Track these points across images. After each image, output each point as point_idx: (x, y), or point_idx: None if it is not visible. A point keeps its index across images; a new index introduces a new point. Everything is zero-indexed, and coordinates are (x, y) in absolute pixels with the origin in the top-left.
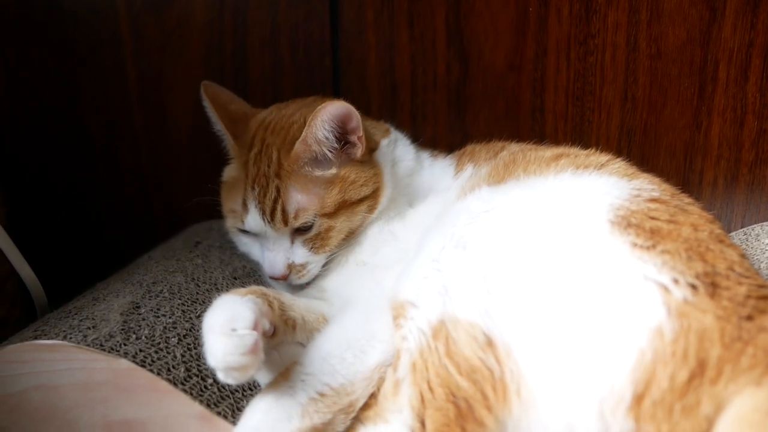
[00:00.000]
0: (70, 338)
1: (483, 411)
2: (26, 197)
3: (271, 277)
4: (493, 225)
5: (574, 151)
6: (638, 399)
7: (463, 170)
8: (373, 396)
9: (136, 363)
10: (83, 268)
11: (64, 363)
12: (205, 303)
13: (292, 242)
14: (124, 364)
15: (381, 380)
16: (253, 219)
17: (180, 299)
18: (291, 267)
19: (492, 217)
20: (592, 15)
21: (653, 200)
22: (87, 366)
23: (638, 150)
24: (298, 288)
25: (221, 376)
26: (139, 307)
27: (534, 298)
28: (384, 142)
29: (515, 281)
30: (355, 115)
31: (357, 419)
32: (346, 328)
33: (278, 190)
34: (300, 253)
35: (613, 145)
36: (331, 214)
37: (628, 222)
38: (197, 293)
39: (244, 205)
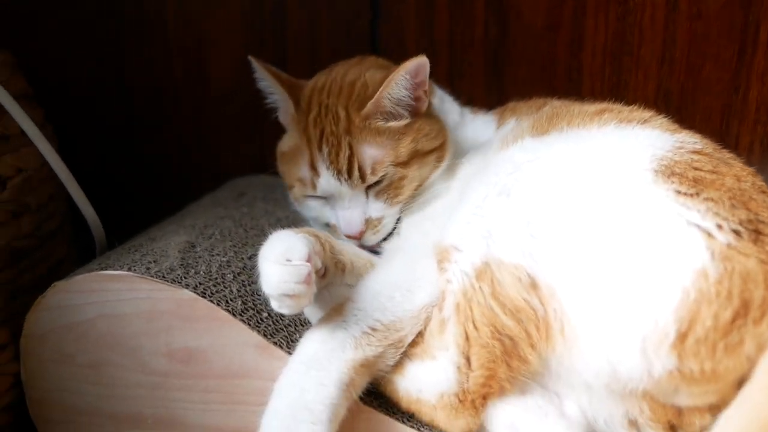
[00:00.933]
0: (134, 270)
1: (527, 348)
2: (74, 146)
3: (348, 236)
4: (537, 173)
5: (618, 106)
6: (682, 336)
7: (505, 124)
8: (420, 334)
9: (197, 294)
10: (128, 216)
11: (128, 293)
12: (255, 246)
13: (367, 197)
14: (186, 294)
15: (428, 320)
16: (327, 181)
17: (231, 241)
18: (368, 222)
19: (536, 165)
20: None
21: (696, 152)
22: (151, 296)
23: (674, 112)
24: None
25: (275, 305)
26: (194, 246)
27: (578, 240)
28: (435, 98)
29: (560, 225)
30: (428, 67)
31: (405, 355)
32: (395, 271)
33: (351, 147)
34: (375, 207)
35: (650, 106)
36: (405, 164)
37: (671, 171)
38: (246, 237)
39: (314, 169)
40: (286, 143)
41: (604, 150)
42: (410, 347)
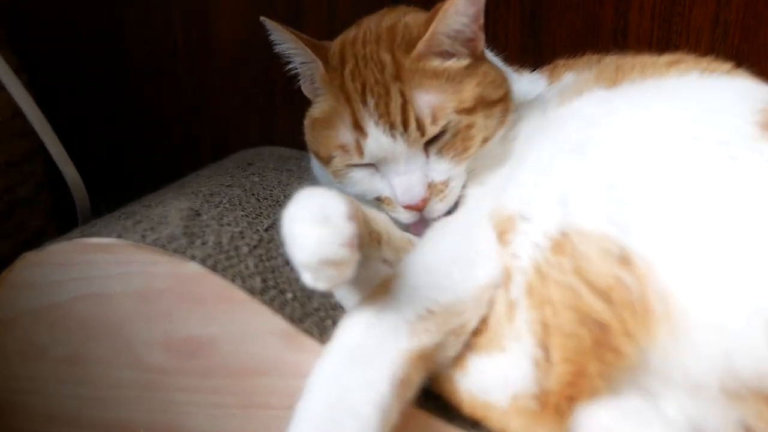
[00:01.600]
0: (126, 237)
1: (622, 338)
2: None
3: (408, 206)
4: (616, 128)
5: (692, 57)
6: None
7: (559, 79)
8: (485, 321)
9: (206, 268)
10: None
11: (118, 266)
12: (270, 217)
13: (427, 156)
14: (192, 268)
15: (492, 303)
16: (377, 140)
17: (243, 211)
18: (431, 188)
19: (614, 119)
20: None
21: None
22: (147, 270)
23: None
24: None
25: (310, 278)
26: (200, 214)
27: (680, 204)
28: None
29: (654, 187)
30: None
31: (468, 348)
32: (448, 243)
33: (403, 94)
34: (439, 168)
35: None
36: (470, 110)
37: None
38: (260, 207)
39: (359, 129)
40: (317, 108)
41: (693, 101)
42: (474, 336)
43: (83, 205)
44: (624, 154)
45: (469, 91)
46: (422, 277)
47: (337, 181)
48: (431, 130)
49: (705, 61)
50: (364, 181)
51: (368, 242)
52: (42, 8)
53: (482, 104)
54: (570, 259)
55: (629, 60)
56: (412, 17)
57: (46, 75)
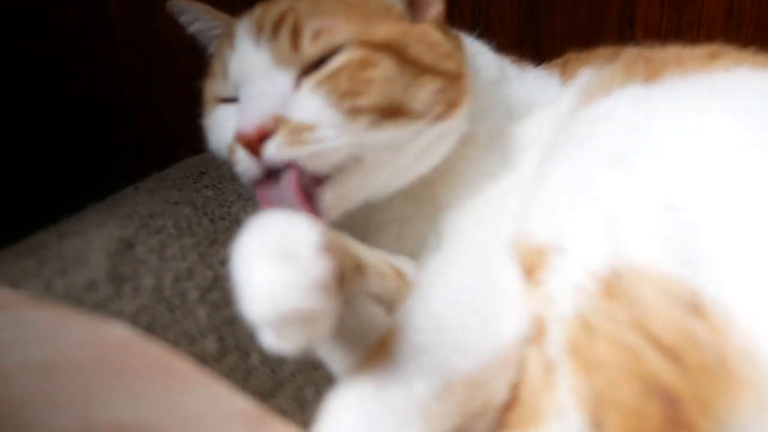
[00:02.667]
0: (27, 286)
1: (696, 411)
2: None
3: (241, 138)
4: (668, 134)
5: (729, 48)
6: None
7: (575, 76)
8: (515, 392)
9: (140, 327)
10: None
11: (14, 330)
12: (227, 244)
13: (298, 88)
14: (118, 331)
15: (523, 365)
16: (240, 53)
17: (192, 238)
18: (279, 121)
19: (662, 123)
20: None
21: None
22: (54, 334)
23: None
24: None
25: (272, 338)
26: (133, 246)
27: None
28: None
29: (729, 212)
30: None
31: (498, 427)
32: (460, 281)
33: (292, 8)
34: (307, 105)
35: None
36: (376, 47)
37: None
38: (215, 232)
39: (231, 45)
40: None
41: (757, 102)
42: (503, 412)
43: None
44: (684, 166)
45: (385, 28)
46: (431, 334)
47: (206, 121)
48: (307, 49)
49: (748, 54)
50: (223, 120)
51: (351, 276)
52: None
53: (400, 55)
54: (625, 306)
55: (659, 52)
56: None
57: None
